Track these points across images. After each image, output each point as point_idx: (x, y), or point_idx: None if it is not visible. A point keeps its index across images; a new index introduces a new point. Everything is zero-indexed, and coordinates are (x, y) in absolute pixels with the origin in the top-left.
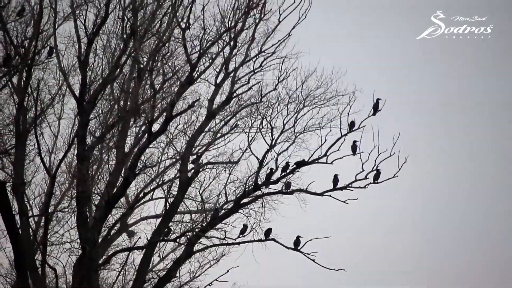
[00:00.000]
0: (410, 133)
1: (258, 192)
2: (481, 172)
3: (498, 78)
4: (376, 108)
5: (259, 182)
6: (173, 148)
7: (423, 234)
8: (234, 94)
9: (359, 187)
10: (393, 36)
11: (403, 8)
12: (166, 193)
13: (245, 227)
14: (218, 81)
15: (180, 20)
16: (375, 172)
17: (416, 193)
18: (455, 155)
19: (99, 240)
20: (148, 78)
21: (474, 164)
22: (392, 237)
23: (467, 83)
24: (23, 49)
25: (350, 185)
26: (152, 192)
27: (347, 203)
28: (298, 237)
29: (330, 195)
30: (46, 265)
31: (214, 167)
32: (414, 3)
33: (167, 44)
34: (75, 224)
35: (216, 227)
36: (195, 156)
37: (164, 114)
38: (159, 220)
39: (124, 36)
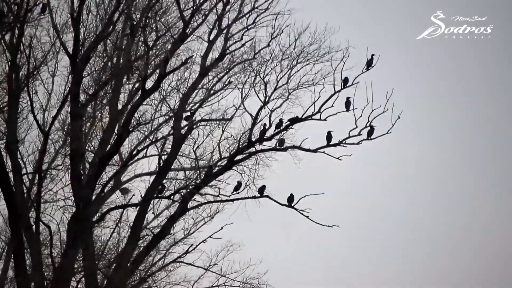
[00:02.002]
0: (404, 88)
1: (252, 149)
2: (477, 128)
3: (498, 78)
4: (370, 63)
5: (253, 139)
6: (167, 105)
7: (417, 189)
8: (227, 51)
9: (353, 144)
10: (393, 36)
11: (403, 8)
12: (159, 150)
13: (239, 184)
14: (211, 38)
15: None
16: (368, 128)
17: (410, 149)
18: (450, 110)
19: (93, 198)
20: (141, 35)
21: (469, 121)
22: (386, 193)
23: (467, 83)
24: (15, 6)
25: (344, 142)
26: (145, 150)
27: (340, 160)
28: (291, 194)
29: (323, 152)
30: (40, 222)
31: (208, 124)
32: (414, 3)
33: (160, 1)
34: (69, 182)
35: (210, 184)
36: (188, 113)
37: (158, 71)
38: (153, 177)
39: None
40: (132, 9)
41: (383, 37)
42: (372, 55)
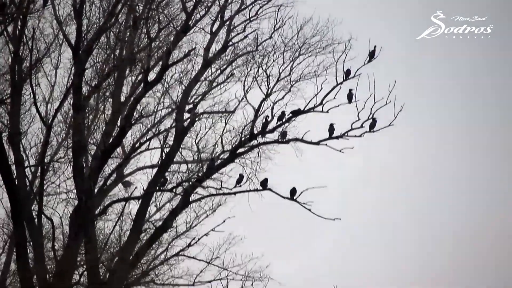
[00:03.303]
0: (406, 80)
1: (254, 142)
2: (478, 123)
3: (498, 78)
4: (372, 55)
5: (255, 132)
6: (169, 97)
7: (419, 183)
8: (230, 43)
9: (355, 136)
10: (393, 36)
11: (403, 8)
12: (162, 143)
13: (241, 176)
14: (214, 30)
15: None
16: (371, 120)
17: (412, 142)
18: (450, 110)
19: (96, 191)
20: (144, 26)
21: (469, 121)
22: (388, 186)
23: (467, 83)
24: None
25: (346, 134)
26: (148, 142)
27: (342, 152)
28: (294, 187)
29: (326, 144)
30: (42, 215)
31: (210, 117)
32: (414, 3)
33: None
34: (71, 174)
35: (212, 177)
36: (191, 106)
37: (160, 63)
38: (155, 170)
39: None
40: (135, 1)
41: (383, 37)
42: (375, 46)
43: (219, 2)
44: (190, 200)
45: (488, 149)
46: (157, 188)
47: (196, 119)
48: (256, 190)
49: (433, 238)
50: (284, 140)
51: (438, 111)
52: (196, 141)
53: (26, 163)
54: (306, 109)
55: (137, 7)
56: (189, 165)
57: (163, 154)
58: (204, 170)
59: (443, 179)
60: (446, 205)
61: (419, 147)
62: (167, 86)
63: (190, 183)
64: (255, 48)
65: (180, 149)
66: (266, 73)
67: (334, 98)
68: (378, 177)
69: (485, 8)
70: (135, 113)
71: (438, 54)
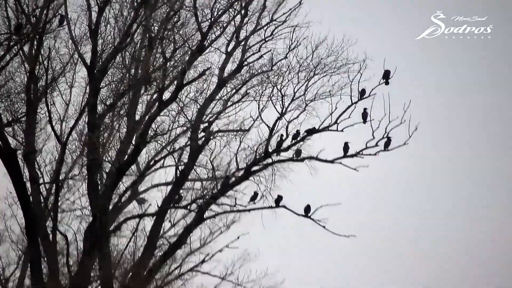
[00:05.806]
0: (421, 100)
1: (269, 160)
2: (476, 128)
3: (498, 78)
4: (387, 75)
5: (270, 150)
6: (184, 116)
7: (433, 201)
8: (245, 63)
9: (370, 155)
10: (393, 36)
11: (403, 8)
12: (176, 160)
13: (255, 194)
14: (229, 50)
15: None
16: (385, 139)
17: (426, 161)
18: (450, 110)
19: (110, 207)
20: (159, 46)
21: (469, 121)
22: (402, 205)
23: (467, 83)
24: (34, 18)
25: (361, 153)
26: (163, 160)
27: (357, 171)
28: (308, 205)
29: (340, 163)
30: (57, 231)
31: (225, 135)
32: (414, 3)
33: (178, 13)
34: (86, 191)
35: (227, 194)
36: (206, 124)
37: (175, 82)
38: (170, 187)
39: (135, 4)
40: (150, 20)
41: (383, 37)
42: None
43: (234, 23)
44: (205, 217)
45: (488, 149)
46: (172, 205)
47: (211, 137)
48: (271, 207)
49: (450, 256)
50: (299, 158)
51: (437, 112)
52: (211, 159)
53: (41, 181)
54: (320, 128)
55: (153, 27)
56: (204, 183)
57: (178, 171)
58: (219, 188)
59: (459, 196)
60: (463, 223)
61: (433, 165)
62: (182, 105)
63: (205, 200)
64: (270, 68)
65: (194, 166)
66: (281, 93)
67: (349, 117)
68: (394, 194)
69: (485, 8)
70: (150, 132)
71: (438, 54)
